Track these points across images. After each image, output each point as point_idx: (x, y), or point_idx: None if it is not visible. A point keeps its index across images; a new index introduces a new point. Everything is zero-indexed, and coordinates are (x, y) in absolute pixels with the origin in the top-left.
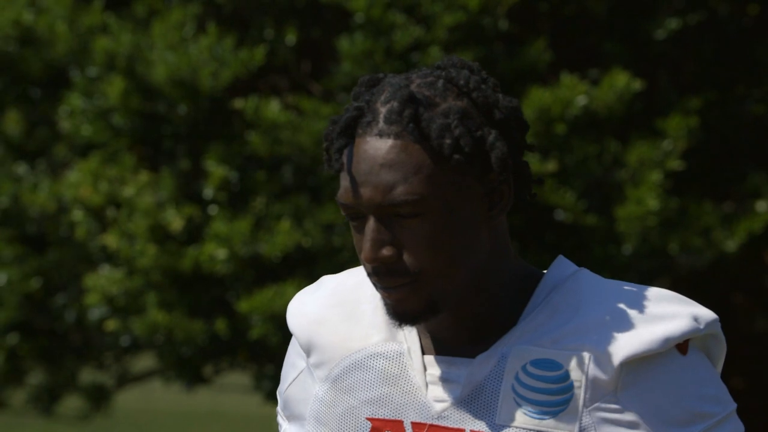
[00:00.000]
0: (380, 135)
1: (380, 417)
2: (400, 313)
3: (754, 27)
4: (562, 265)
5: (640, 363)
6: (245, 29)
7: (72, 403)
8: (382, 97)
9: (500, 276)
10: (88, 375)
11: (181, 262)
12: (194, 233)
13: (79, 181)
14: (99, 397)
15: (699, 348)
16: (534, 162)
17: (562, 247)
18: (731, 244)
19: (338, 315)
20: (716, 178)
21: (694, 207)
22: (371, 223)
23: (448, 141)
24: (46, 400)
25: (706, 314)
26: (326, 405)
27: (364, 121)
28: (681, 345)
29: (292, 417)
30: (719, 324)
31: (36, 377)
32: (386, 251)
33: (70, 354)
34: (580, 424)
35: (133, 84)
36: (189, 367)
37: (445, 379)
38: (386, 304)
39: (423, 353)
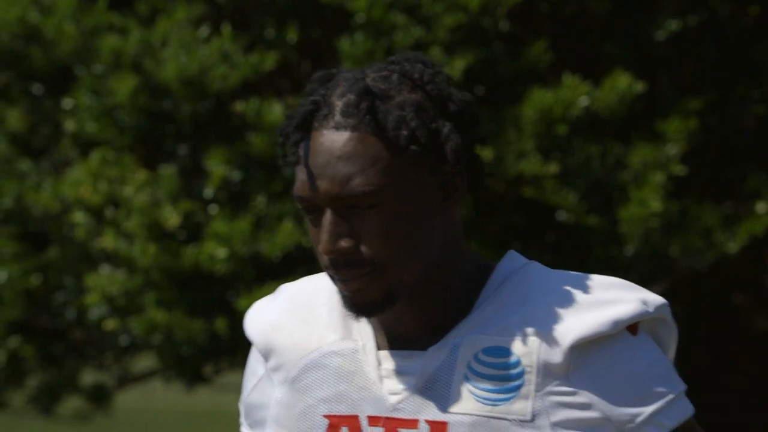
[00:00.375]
0: (337, 128)
1: (336, 413)
2: (358, 304)
3: (755, 28)
4: (512, 259)
5: (590, 345)
6: (246, 29)
7: (72, 403)
8: (338, 91)
9: (453, 268)
10: (88, 375)
11: (181, 262)
12: (194, 232)
13: (79, 181)
14: (99, 398)
15: (648, 332)
16: (536, 163)
17: (564, 247)
18: (732, 246)
19: (295, 319)
20: (717, 179)
21: (694, 208)
22: (328, 216)
23: (404, 132)
24: (47, 401)
25: (655, 299)
26: (285, 407)
27: (320, 115)
28: (631, 327)
29: (254, 424)
30: (669, 309)
31: (36, 378)
32: (344, 243)
33: (70, 354)
34: (533, 408)
35: (142, 81)
36: (189, 366)
37: (399, 372)
38: (343, 297)
39: (378, 349)
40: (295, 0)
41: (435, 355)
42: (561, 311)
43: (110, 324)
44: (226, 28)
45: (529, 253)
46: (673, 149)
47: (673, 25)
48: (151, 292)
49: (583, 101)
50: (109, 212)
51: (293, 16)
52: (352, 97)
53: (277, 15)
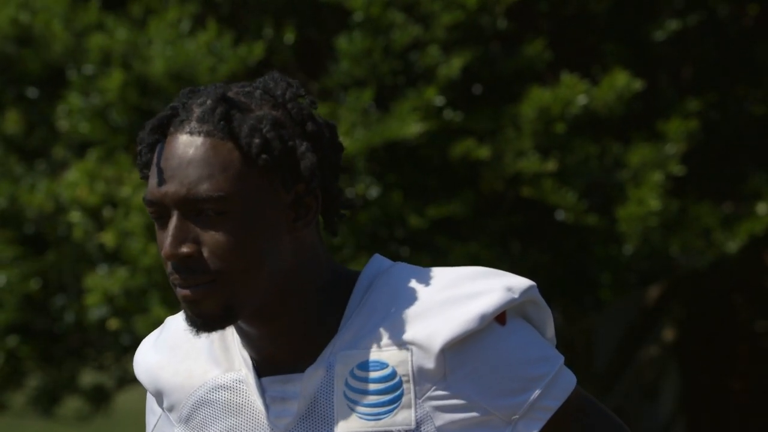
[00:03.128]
0: (191, 133)
1: None
2: (197, 315)
3: (755, 28)
4: (376, 264)
5: (462, 344)
6: (244, 28)
7: (72, 404)
8: (199, 100)
9: (309, 285)
10: (88, 376)
11: None
12: None
13: (76, 182)
14: (99, 399)
15: (519, 316)
16: (534, 161)
17: (563, 247)
18: (732, 246)
19: (178, 355)
20: (716, 179)
21: (694, 208)
22: (174, 220)
23: (257, 140)
24: (46, 402)
25: (520, 283)
26: None
27: (177, 120)
28: (499, 317)
29: None
30: (536, 290)
31: (36, 379)
32: (186, 248)
33: (70, 355)
34: (416, 416)
35: (131, 79)
36: None
37: (282, 399)
38: (184, 311)
39: (260, 376)
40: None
41: (312, 376)
42: (427, 313)
43: (113, 323)
44: (212, 23)
45: (529, 254)
46: (672, 149)
47: (673, 24)
48: (155, 291)
49: (582, 100)
50: (107, 212)
51: (291, 15)
52: (209, 103)
53: (275, 14)
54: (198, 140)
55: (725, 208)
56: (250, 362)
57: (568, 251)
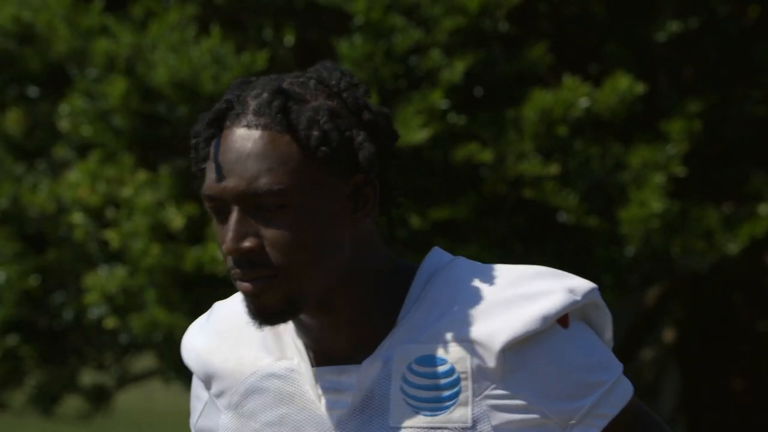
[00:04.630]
0: (248, 126)
1: None
2: (259, 309)
3: (755, 28)
4: (435, 257)
5: (522, 345)
6: (243, 30)
7: (72, 403)
8: (253, 92)
9: (368, 277)
10: (88, 375)
11: (184, 263)
12: (197, 234)
13: (77, 182)
14: (99, 398)
15: (580, 318)
16: (536, 164)
17: (564, 249)
18: (733, 247)
19: (228, 341)
20: (717, 180)
21: (695, 209)
22: (235, 214)
23: (315, 133)
24: (46, 401)
25: (583, 285)
26: None
27: (233, 113)
28: (562, 319)
29: None
30: (598, 292)
31: (36, 378)
32: (248, 243)
33: (70, 355)
34: (473, 414)
35: (134, 85)
36: None
37: (336, 389)
38: (246, 305)
39: (314, 366)
40: (292, 2)
41: (369, 369)
42: (489, 311)
43: (110, 322)
44: (216, 29)
45: (531, 255)
46: (673, 150)
47: (674, 26)
48: (152, 290)
49: (584, 102)
50: (109, 213)
51: (291, 17)
52: (265, 96)
53: (275, 16)
54: (256, 133)
55: (726, 209)
56: (303, 351)
57: (570, 253)
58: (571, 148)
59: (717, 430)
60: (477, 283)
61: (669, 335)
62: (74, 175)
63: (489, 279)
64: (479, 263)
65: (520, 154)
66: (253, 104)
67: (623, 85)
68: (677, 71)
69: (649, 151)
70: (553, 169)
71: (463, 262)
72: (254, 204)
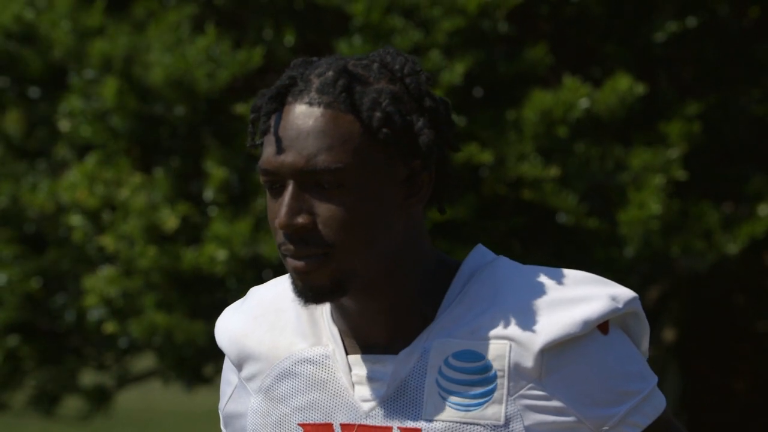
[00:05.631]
0: (311, 103)
1: (311, 422)
2: (306, 287)
3: (755, 29)
4: (479, 255)
5: (562, 347)
6: (243, 31)
7: (72, 404)
8: (317, 70)
9: (414, 267)
10: (88, 376)
11: (181, 264)
12: (194, 234)
13: (75, 183)
14: (99, 398)
15: (619, 326)
16: (536, 166)
17: (564, 250)
18: (733, 247)
19: (263, 325)
20: (717, 180)
21: (695, 210)
22: (290, 190)
23: (378, 114)
24: (46, 402)
25: (624, 293)
26: (261, 415)
27: (296, 90)
28: (601, 325)
29: None
30: (639, 302)
31: (36, 379)
32: (301, 219)
33: (70, 355)
34: (506, 412)
35: (130, 85)
36: (189, 367)
37: (370, 378)
38: (293, 281)
39: (348, 353)
40: (292, 3)
41: (405, 360)
42: (530, 311)
43: (109, 327)
44: (210, 27)
45: (530, 256)
46: (674, 153)
47: (673, 26)
48: (150, 294)
49: (584, 103)
50: (106, 215)
51: (290, 18)
52: (330, 74)
53: (275, 17)
54: (318, 111)
55: (726, 209)
56: (339, 338)
57: (569, 254)
58: (571, 149)
59: (717, 430)
60: (519, 283)
61: (669, 335)
62: (72, 176)
63: (530, 280)
64: (522, 264)
65: (520, 155)
66: (316, 82)
67: (623, 85)
68: (677, 72)
69: (648, 153)
70: (554, 172)
71: (506, 261)
72: (311, 181)
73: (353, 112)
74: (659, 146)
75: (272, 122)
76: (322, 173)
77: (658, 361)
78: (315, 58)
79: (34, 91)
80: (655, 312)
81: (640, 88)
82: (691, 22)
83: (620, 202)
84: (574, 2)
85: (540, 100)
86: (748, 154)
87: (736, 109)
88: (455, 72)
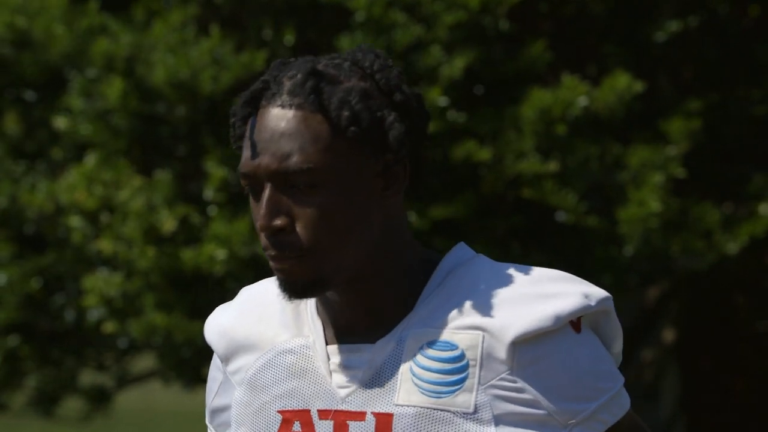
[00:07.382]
0: (282, 106)
1: (289, 408)
2: (290, 284)
3: (755, 28)
4: (460, 252)
5: (534, 341)
6: (243, 30)
7: (72, 404)
8: (289, 73)
9: (395, 259)
10: (88, 376)
11: (181, 263)
12: (193, 234)
13: (74, 185)
14: (99, 399)
15: (590, 327)
16: (535, 163)
17: (563, 248)
18: (732, 247)
19: (249, 320)
20: (717, 179)
21: (695, 209)
22: (267, 192)
23: (346, 113)
24: (46, 402)
25: (597, 292)
26: (243, 405)
27: (268, 93)
28: (575, 324)
29: (219, 427)
30: (611, 302)
31: (36, 379)
32: (279, 221)
33: (70, 355)
34: (476, 401)
35: (132, 85)
36: (189, 367)
37: (347, 366)
38: (278, 278)
39: (328, 343)
40: (292, 1)
41: (382, 348)
42: (504, 304)
43: (109, 327)
44: (215, 29)
45: (530, 255)
46: (673, 151)
47: (673, 25)
48: (150, 294)
49: (583, 101)
50: (104, 217)
51: (291, 15)
52: (299, 76)
53: (275, 16)
54: (289, 113)
55: (726, 208)
56: (320, 329)
57: (569, 252)
58: (570, 147)
59: (717, 430)
60: (496, 278)
61: (669, 335)
62: (71, 177)
63: (507, 276)
64: (500, 263)
65: (519, 152)
66: (288, 84)
67: (622, 83)
68: (677, 71)
69: (648, 151)
70: (553, 167)
71: (485, 259)
72: (286, 182)
73: (322, 112)
74: (658, 144)
75: (248, 126)
76: (295, 174)
77: (658, 361)
78: (292, 60)
79: (30, 95)
80: (655, 312)
81: (639, 86)
82: (692, 21)
83: (620, 200)
84: (574, 1)
85: (539, 98)
86: (748, 154)
87: (736, 109)
88: (455, 67)
